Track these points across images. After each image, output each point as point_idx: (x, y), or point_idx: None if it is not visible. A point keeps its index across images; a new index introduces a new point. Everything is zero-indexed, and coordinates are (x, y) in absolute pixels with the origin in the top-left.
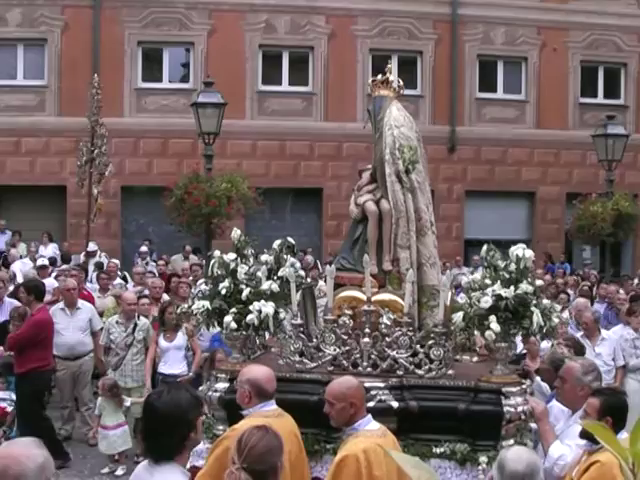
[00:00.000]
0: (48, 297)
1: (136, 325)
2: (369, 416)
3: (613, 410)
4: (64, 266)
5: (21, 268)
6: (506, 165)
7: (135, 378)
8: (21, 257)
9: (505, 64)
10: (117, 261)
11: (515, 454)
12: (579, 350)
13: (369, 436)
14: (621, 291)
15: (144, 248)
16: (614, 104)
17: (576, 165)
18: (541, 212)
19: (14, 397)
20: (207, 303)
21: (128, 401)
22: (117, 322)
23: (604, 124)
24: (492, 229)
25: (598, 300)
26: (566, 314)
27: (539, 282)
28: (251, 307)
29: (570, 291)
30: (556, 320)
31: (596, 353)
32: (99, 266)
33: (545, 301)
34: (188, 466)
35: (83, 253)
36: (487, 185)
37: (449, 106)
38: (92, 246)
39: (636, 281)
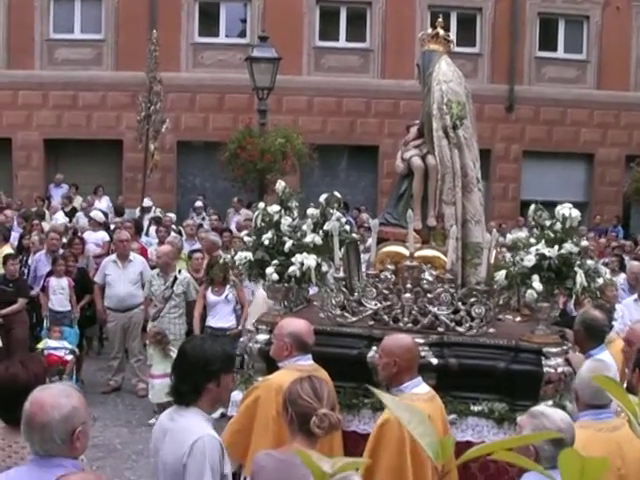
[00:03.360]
0: (97, 250)
1: (176, 279)
2: (419, 379)
3: None
4: (117, 219)
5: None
6: (565, 126)
7: (172, 331)
8: (74, 210)
9: (566, 23)
10: (173, 215)
11: (564, 422)
12: (608, 315)
13: (414, 399)
14: None
15: (199, 203)
16: None
17: (637, 127)
18: (599, 174)
19: (68, 346)
20: (249, 254)
21: (174, 352)
22: (158, 274)
23: None
24: (549, 190)
25: None
26: (621, 278)
27: (584, 243)
28: (293, 259)
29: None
30: (600, 281)
31: None
32: (157, 220)
33: (590, 262)
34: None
35: (138, 208)
36: (545, 146)
37: (508, 65)
38: (147, 202)
39: None
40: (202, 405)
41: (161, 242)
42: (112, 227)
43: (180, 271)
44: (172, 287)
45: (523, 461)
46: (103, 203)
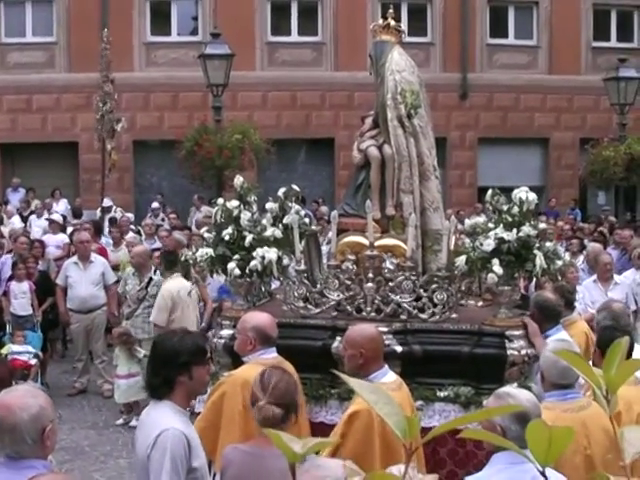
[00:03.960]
0: (58, 252)
1: (151, 279)
2: (385, 368)
3: (601, 343)
4: (75, 221)
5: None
6: (519, 111)
7: (146, 330)
8: (32, 213)
9: (516, 9)
10: (130, 215)
11: (529, 401)
12: (568, 298)
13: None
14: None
15: (155, 204)
16: (627, 47)
17: (590, 110)
18: (555, 158)
19: (32, 350)
20: (210, 250)
21: (142, 352)
22: (133, 274)
23: (616, 67)
24: (506, 176)
25: (613, 246)
26: (581, 259)
27: (542, 225)
28: (254, 253)
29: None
30: (560, 263)
31: (609, 298)
32: (112, 221)
33: (548, 244)
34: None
35: (99, 209)
36: (500, 132)
37: (460, 53)
38: (107, 202)
39: None
40: (176, 399)
41: (115, 243)
42: (69, 229)
43: (156, 272)
44: (146, 288)
45: (495, 438)
46: (61, 206)
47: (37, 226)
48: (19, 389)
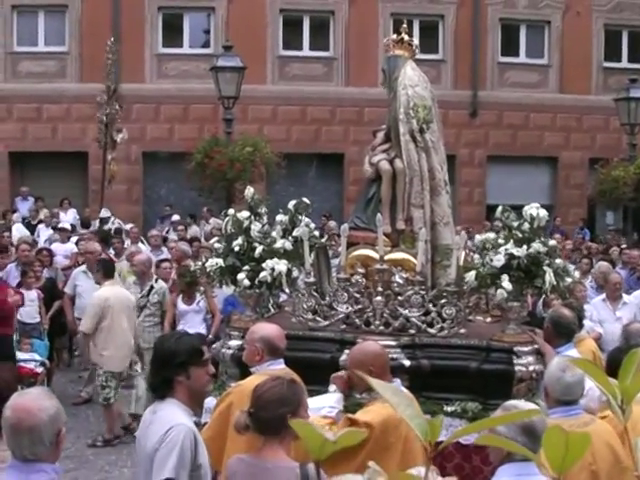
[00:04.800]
0: (66, 262)
1: (152, 288)
2: (398, 382)
3: (610, 364)
4: (83, 231)
5: (18, 230)
6: (528, 130)
7: (147, 339)
8: (41, 222)
9: (528, 28)
10: (130, 225)
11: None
12: (579, 314)
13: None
14: None
15: (176, 217)
16: (639, 68)
17: (599, 130)
18: (564, 177)
19: (38, 358)
20: (220, 261)
21: (138, 371)
22: (135, 282)
23: (626, 87)
24: (514, 194)
25: (621, 265)
26: (589, 278)
27: (552, 242)
28: (264, 265)
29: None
30: (569, 280)
31: (617, 317)
32: (116, 232)
33: (558, 261)
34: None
35: (97, 219)
36: (509, 150)
37: (471, 71)
38: (104, 212)
39: None
40: (179, 397)
41: (117, 254)
42: (74, 239)
43: (157, 280)
44: (148, 296)
45: (508, 444)
46: (69, 215)
47: (45, 236)
48: (32, 392)
